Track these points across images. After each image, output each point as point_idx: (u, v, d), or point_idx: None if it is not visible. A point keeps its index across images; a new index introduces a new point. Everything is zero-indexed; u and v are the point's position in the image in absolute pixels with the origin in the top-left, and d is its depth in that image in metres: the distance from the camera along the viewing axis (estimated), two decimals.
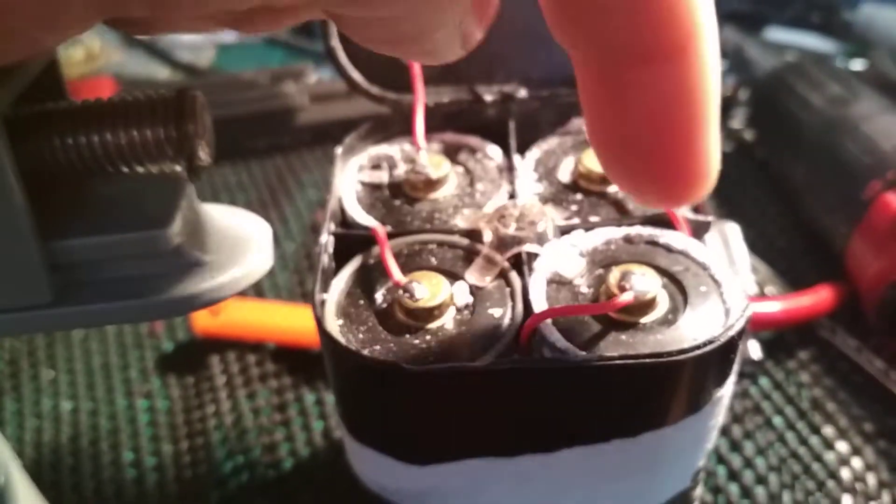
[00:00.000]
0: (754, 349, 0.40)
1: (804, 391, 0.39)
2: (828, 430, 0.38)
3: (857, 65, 0.58)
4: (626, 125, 0.19)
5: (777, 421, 0.38)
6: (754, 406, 0.39)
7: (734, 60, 0.58)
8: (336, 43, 0.29)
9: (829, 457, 0.37)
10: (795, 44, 0.63)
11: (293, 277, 0.48)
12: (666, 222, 0.26)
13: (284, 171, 0.57)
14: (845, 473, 0.36)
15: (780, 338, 0.42)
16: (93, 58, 0.69)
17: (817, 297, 0.42)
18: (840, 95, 0.47)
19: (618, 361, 0.21)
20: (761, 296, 0.43)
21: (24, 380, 0.43)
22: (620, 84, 0.18)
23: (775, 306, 0.41)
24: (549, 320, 0.23)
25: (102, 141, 0.21)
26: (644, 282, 0.23)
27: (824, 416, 0.38)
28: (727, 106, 0.57)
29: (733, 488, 0.36)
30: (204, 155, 0.21)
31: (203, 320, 0.43)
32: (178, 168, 0.21)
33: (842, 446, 0.37)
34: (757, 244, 0.46)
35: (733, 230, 0.44)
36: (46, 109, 0.21)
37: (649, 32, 0.17)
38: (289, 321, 0.43)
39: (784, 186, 0.49)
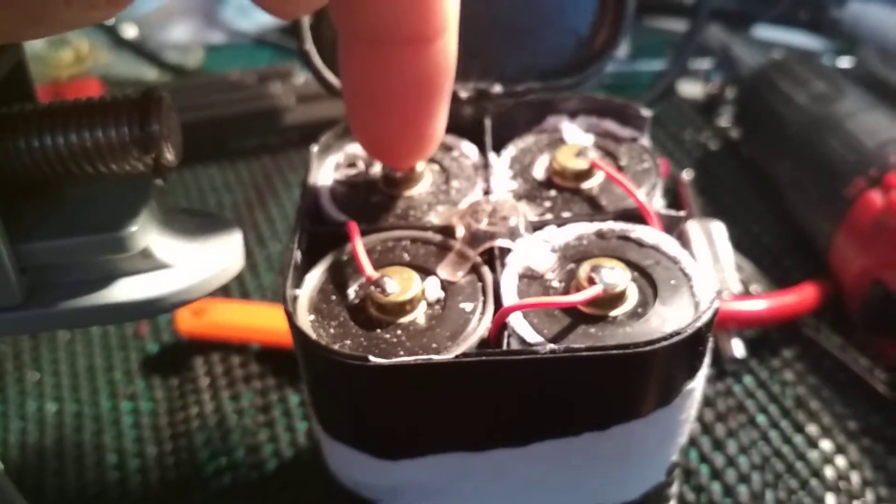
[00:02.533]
0: (738, 347, 0.40)
1: (788, 389, 0.39)
2: (811, 429, 0.38)
3: (845, 62, 0.58)
4: (381, 97, 0.24)
5: (761, 419, 0.38)
6: (738, 404, 0.39)
7: (721, 59, 0.58)
8: (310, 46, 0.29)
9: (813, 455, 0.37)
10: (783, 41, 0.63)
11: (279, 278, 0.48)
12: (638, 218, 0.26)
13: (271, 171, 0.57)
14: (829, 472, 0.36)
15: (765, 336, 0.42)
16: (81, 59, 0.69)
17: (801, 295, 0.42)
18: (824, 93, 0.47)
19: (585, 353, 0.21)
20: (746, 294, 0.43)
21: (9, 382, 0.43)
22: (386, 61, 0.23)
23: (760, 304, 0.41)
24: (518, 313, 0.23)
25: (67, 142, 0.21)
26: (613, 275, 0.23)
27: (808, 415, 0.38)
28: (714, 104, 0.58)
29: (716, 487, 0.36)
30: (170, 156, 0.21)
31: (187, 322, 0.43)
32: (144, 169, 0.21)
33: (825, 444, 0.37)
34: (742, 242, 0.46)
35: (718, 228, 0.44)
36: (11, 112, 0.21)
37: (417, 17, 0.22)
38: (273, 322, 0.43)
39: (769, 184, 0.49)
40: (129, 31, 0.72)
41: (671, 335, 0.21)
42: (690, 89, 0.60)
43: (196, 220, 0.23)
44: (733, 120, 0.56)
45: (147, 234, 0.21)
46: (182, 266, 0.22)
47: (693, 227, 0.26)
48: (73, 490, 0.38)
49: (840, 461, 0.36)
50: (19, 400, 0.42)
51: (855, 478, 0.36)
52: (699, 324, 0.21)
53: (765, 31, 0.64)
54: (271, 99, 0.59)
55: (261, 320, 0.43)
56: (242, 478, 0.38)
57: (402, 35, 0.22)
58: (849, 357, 0.40)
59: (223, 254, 0.22)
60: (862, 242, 0.40)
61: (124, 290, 0.21)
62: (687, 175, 0.50)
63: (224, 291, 0.47)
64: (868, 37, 0.61)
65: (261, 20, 0.73)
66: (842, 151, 0.43)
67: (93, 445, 0.40)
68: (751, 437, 0.37)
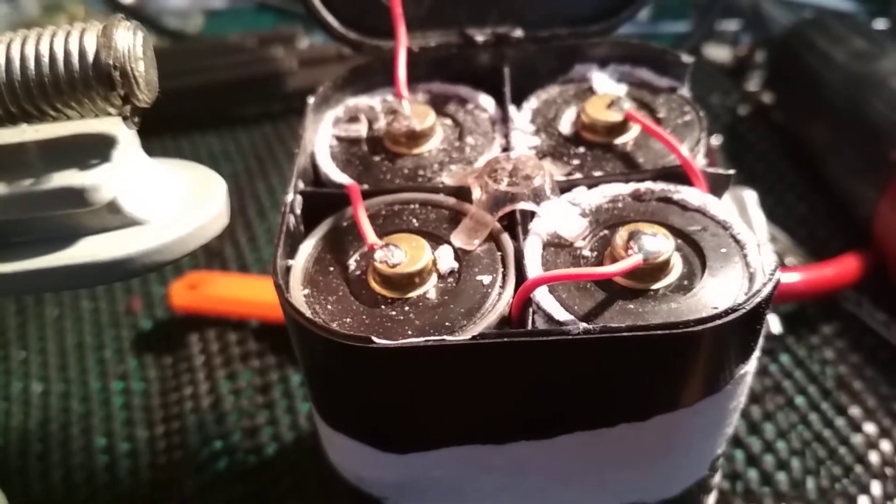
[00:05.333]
0: (774, 323, 0.38)
1: (828, 368, 0.37)
2: (855, 411, 0.35)
3: (880, 24, 0.55)
4: None
5: (799, 401, 0.36)
6: (775, 385, 0.36)
7: (750, 20, 0.55)
8: None
9: (857, 439, 0.34)
10: (814, 3, 0.59)
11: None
12: (680, 177, 0.23)
13: (273, 139, 0.55)
14: (874, 457, 0.34)
15: (802, 311, 0.39)
16: None
17: (841, 267, 0.39)
18: (865, 50, 0.44)
19: (625, 333, 0.18)
20: (781, 266, 0.40)
21: None
22: None
23: (796, 277, 0.38)
24: (545, 287, 0.20)
25: (24, 77, 0.18)
26: (655, 242, 0.20)
27: (850, 396, 0.36)
28: (742, 67, 0.55)
29: (752, 474, 0.33)
30: (142, 94, 0.18)
31: (182, 296, 0.41)
32: (113, 110, 0.19)
33: (870, 428, 0.35)
34: (775, 212, 0.44)
35: (750, 197, 0.41)
36: None
37: None
38: (273, 296, 0.40)
39: (804, 150, 0.46)
40: None
41: (726, 312, 0.18)
42: (717, 52, 0.57)
43: (174, 171, 0.21)
44: (763, 84, 0.53)
45: (115, 186, 0.18)
46: (156, 222, 0.19)
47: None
48: (59, 475, 0.36)
49: (886, 446, 0.34)
50: (4, 380, 0.40)
51: None
52: (758, 299, 0.19)
53: None
54: (273, 63, 0.56)
55: (260, 294, 0.41)
56: (239, 463, 0.35)
57: None
58: (893, 334, 0.38)
59: (204, 208, 0.20)
60: None
61: (89, 250, 0.19)
62: (716, 140, 0.48)
63: (221, 264, 0.45)
64: None
65: None
66: (886, 112, 0.40)
67: (80, 428, 0.38)
68: (789, 420, 0.35)
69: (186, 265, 0.44)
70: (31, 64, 0.18)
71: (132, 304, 0.43)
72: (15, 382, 0.40)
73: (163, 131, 0.56)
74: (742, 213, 0.41)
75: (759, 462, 0.33)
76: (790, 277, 0.38)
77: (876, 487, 0.33)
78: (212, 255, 0.45)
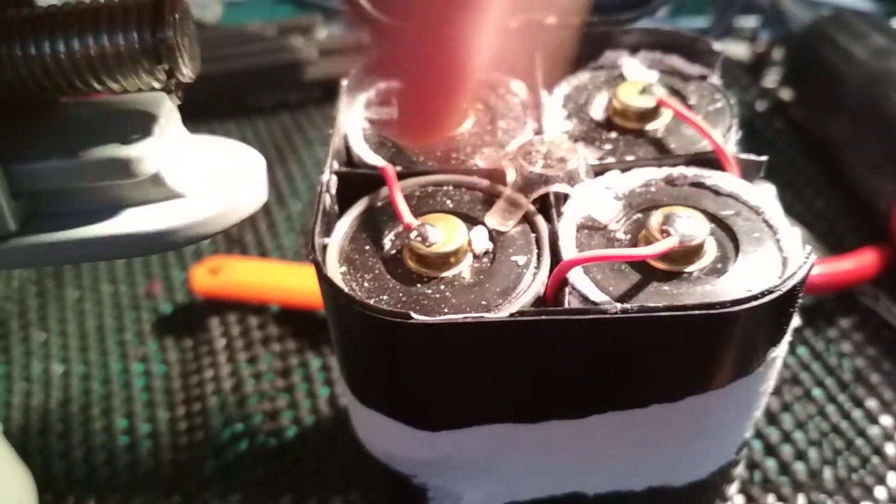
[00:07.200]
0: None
1: (846, 361, 0.37)
2: (871, 403, 0.35)
3: None
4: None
5: (817, 393, 0.36)
6: (793, 377, 0.36)
7: (769, 16, 0.55)
8: None
9: (874, 431, 0.34)
10: (832, 2, 0.59)
11: (299, 238, 0.45)
12: (713, 162, 0.23)
13: (291, 128, 0.55)
14: (890, 449, 0.34)
15: (820, 304, 0.39)
16: None
17: (859, 262, 0.39)
18: (884, 47, 0.44)
19: (660, 313, 0.18)
20: None
21: (15, 342, 0.41)
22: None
23: (814, 270, 0.38)
24: (580, 268, 0.20)
25: (69, 50, 0.18)
26: (690, 226, 0.20)
27: (868, 389, 0.36)
28: (761, 64, 0.55)
29: (770, 463, 0.33)
30: (186, 69, 0.19)
31: (202, 280, 0.41)
32: (157, 84, 0.19)
33: (886, 420, 0.35)
34: (794, 206, 0.44)
35: (768, 191, 0.41)
36: (6, 16, 0.19)
37: None
38: (294, 281, 0.40)
39: (823, 145, 0.46)
40: None
41: (763, 294, 0.18)
42: (735, 49, 0.57)
43: (215, 147, 0.21)
44: (782, 80, 0.53)
45: (158, 159, 0.19)
46: (197, 196, 0.19)
47: None
48: (79, 455, 0.36)
49: None
50: (25, 360, 0.40)
51: None
52: (794, 281, 0.19)
53: None
54: (292, 52, 0.56)
55: (281, 279, 0.41)
56: (259, 445, 0.35)
57: None
58: None
59: (244, 184, 0.20)
60: None
61: (131, 221, 0.19)
62: (735, 135, 0.48)
63: (241, 250, 0.45)
64: None
65: None
66: None
67: (101, 409, 0.38)
68: (807, 411, 0.35)
69: (206, 250, 0.44)
70: (77, 36, 0.18)
71: (152, 287, 0.43)
72: (36, 363, 0.40)
73: (182, 119, 0.56)
74: None
75: (777, 452, 0.33)
76: None
77: (892, 478, 0.32)
78: (231, 242, 0.45)
